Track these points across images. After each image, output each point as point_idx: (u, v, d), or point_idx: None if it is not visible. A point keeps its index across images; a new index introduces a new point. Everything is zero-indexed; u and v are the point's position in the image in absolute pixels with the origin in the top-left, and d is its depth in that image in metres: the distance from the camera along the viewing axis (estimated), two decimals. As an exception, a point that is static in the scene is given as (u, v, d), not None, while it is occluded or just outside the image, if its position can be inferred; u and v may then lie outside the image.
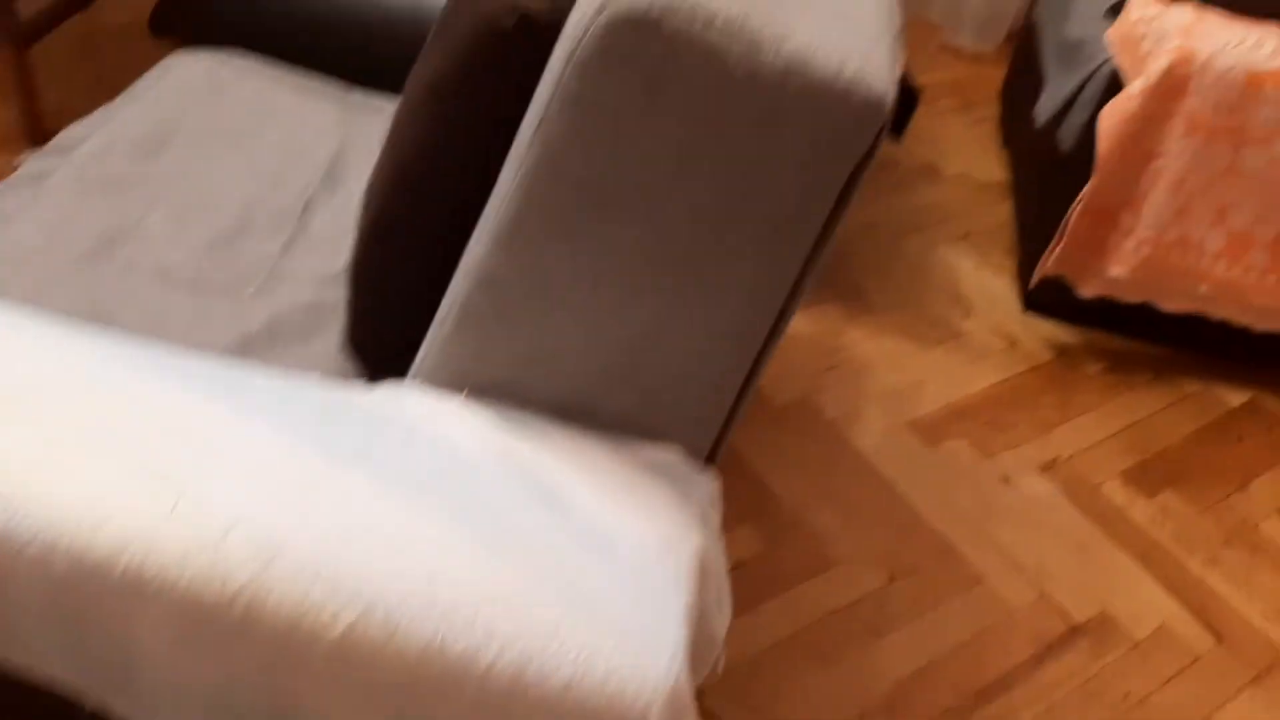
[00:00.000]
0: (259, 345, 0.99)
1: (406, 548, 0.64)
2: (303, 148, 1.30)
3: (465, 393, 0.82)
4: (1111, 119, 1.54)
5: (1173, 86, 1.49)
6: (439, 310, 0.85)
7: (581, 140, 0.67)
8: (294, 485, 0.66)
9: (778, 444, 1.56)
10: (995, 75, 2.64)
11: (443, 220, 0.91)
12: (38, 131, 1.76)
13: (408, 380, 0.85)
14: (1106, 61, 1.62)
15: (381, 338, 0.97)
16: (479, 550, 0.65)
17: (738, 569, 1.40)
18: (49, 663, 0.67)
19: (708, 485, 0.81)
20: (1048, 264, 1.74)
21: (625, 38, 0.63)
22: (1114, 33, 1.59)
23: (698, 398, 0.82)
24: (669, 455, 0.80)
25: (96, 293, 1.02)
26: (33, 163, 1.18)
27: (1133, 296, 1.76)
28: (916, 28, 2.81)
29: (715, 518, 0.79)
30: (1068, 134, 1.75)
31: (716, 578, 0.75)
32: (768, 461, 1.53)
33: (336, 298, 1.07)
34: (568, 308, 0.79)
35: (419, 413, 0.80)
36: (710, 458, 0.84)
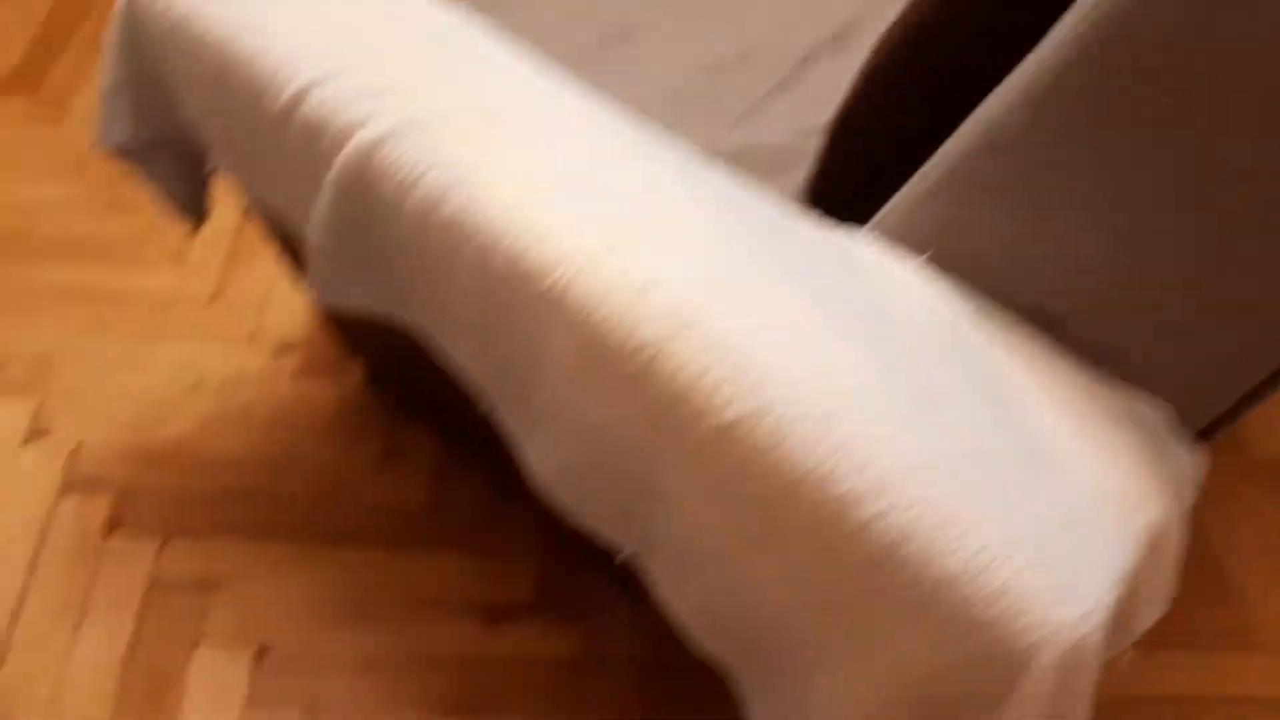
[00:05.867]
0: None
1: (823, 371, 0.56)
2: (821, 4, 1.24)
3: (925, 258, 0.72)
4: None
5: None
6: (922, 167, 0.76)
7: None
8: (723, 258, 0.61)
9: (1241, 500, 1.26)
10: None
11: (951, 78, 0.81)
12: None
13: (862, 232, 0.77)
14: None
15: (843, 194, 0.90)
16: (897, 405, 0.56)
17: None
18: (464, 354, 0.69)
19: (1191, 461, 0.63)
20: None
21: None
22: None
23: (1214, 360, 0.64)
24: (1153, 411, 0.63)
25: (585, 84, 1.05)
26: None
27: None
28: None
29: (1187, 498, 0.62)
30: None
31: (1163, 564, 0.59)
32: (1222, 518, 1.25)
33: (809, 148, 1.01)
34: (1085, 207, 0.64)
35: (869, 263, 0.72)
36: (1204, 434, 0.66)
